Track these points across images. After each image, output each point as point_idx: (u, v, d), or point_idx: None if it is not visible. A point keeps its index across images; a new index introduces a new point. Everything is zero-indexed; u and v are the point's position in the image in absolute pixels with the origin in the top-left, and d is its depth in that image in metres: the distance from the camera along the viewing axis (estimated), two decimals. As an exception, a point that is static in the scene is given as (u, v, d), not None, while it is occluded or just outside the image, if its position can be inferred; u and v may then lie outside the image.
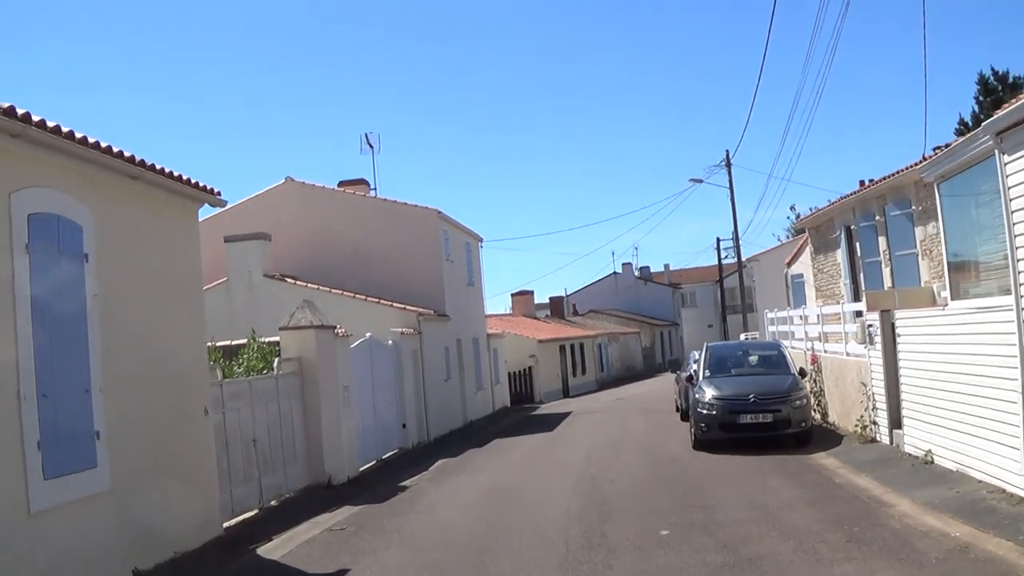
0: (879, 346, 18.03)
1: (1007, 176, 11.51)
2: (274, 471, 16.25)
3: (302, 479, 17.53)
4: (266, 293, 25.06)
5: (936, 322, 15.30)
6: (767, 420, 19.48)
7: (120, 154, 10.79)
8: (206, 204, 13.66)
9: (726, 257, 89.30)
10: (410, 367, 25.76)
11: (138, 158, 11.22)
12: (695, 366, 22.30)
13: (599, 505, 14.20)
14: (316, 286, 26.17)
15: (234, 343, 18.46)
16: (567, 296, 76.62)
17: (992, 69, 43.65)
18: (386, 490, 17.64)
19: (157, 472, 11.59)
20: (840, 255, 27.30)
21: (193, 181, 12.76)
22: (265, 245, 26.64)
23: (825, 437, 20.02)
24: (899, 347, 17.02)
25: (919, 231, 21.27)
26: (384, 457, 22.44)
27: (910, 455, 16.04)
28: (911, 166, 21.74)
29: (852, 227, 25.89)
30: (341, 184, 33.95)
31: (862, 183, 35.07)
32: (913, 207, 21.45)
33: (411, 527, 13.49)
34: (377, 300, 26.88)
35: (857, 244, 25.68)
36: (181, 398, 12.52)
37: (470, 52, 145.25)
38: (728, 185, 50.48)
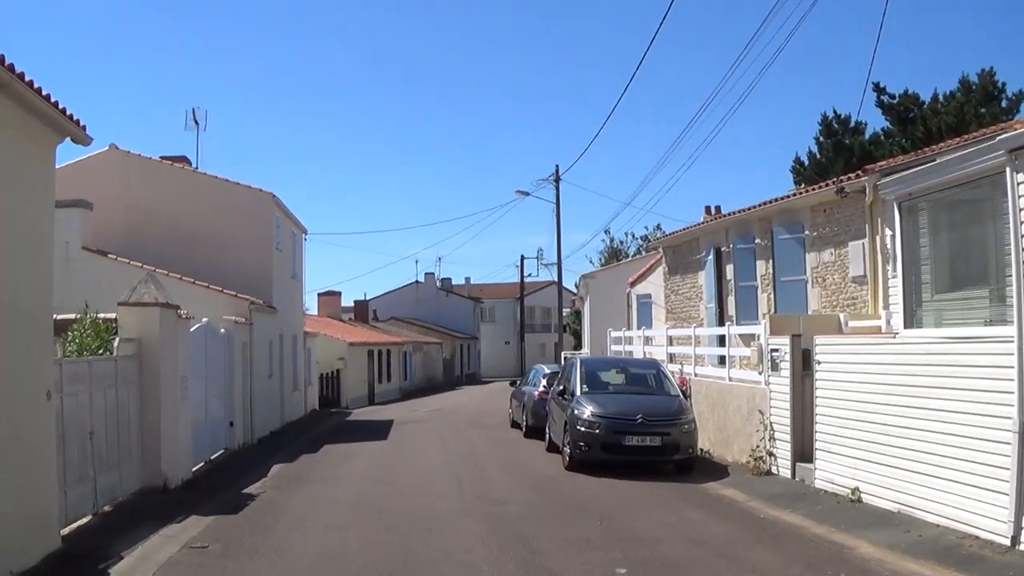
0: (785, 373, 17.05)
1: (1020, 196, 10.52)
2: (109, 470, 13.63)
3: (135, 480, 14.94)
4: (83, 268, 22.00)
5: (882, 350, 14.19)
6: (655, 443, 18.18)
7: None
8: (68, 139, 11.05)
9: (529, 275, 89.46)
10: (239, 360, 23.20)
11: (7, 60, 8.69)
12: (570, 380, 20.53)
13: (511, 533, 12.36)
14: (139, 264, 23.27)
15: (60, 318, 15.60)
16: (367, 301, 74.19)
17: (834, 111, 44.07)
18: (230, 498, 15.38)
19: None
20: (704, 277, 26.48)
21: (61, 106, 10.22)
22: (86, 215, 23.55)
23: (704, 466, 18.90)
24: (817, 375, 16.01)
25: (811, 257, 20.59)
26: (212, 458, 19.92)
27: (826, 492, 15.12)
28: (809, 189, 21.10)
29: (724, 248, 25.06)
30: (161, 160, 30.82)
31: (708, 209, 34.79)
32: (806, 232, 20.75)
33: (291, 549, 11.26)
34: (207, 285, 24.15)
35: (728, 267, 24.85)
36: (21, 377, 9.95)
37: (304, 37, 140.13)
38: (555, 200, 49.52)
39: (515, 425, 28.81)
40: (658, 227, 68.54)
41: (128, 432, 14.60)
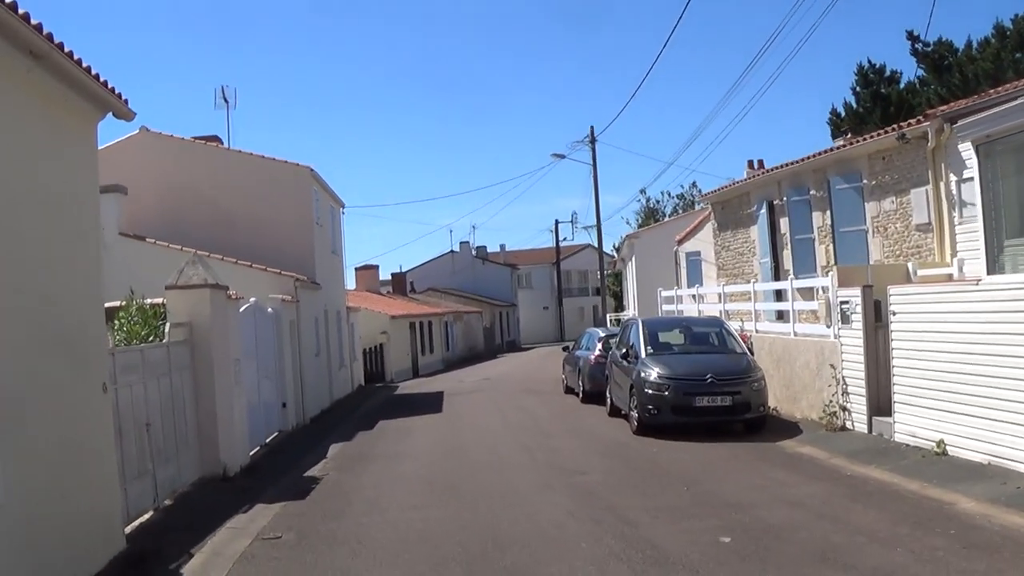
0: (857, 325, 16.34)
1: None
2: (167, 462, 13.03)
3: (194, 470, 14.36)
4: (121, 254, 21.29)
5: (965, 299, 13.41)
6: (726, 403, 17.46)
7: (26, 18, 7.51)
8: (110, 114, 10.31)
9: (564, 239, 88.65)
10: (288, 339, 22.55)
11: (46, 29, 7.94)
12: (632, 342, 19.77)
13: (599, 504, 11.70)
14: (179, 247, 22.62)
15: (105, 306, 14.96)
16: (404, 273, 73.55)
17: (869, 61, 43.22)
18: (293, 482, 14.79)
19: (56, 473, 8.41)
20: (756, 232, 25.66)
21: (102, 79, 9.48)
22: (120, 199, 22.88)
23: (774, 424, 18.17)
24: (893, 326, 15.22)
25: (871, 207, 19.93)
26: (268, 441, 19.31)
27: (908, 446, 14.46)
28: (866, 137, 20.35)
29: (776, 202, 24.28)
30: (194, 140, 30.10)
31: (751, 163, 33.88)
32: (864, 181, 20.05)
33: (370, 534, 10.61)
34: (249, 264, 23.46)
35: (782, 220, 24.12)
36: (77, 371, 9.29)
37: (331, 6, 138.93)
38: (592, 162, 48.65)
39: (569, 391, 28.13)
40: (694, 185, 67.55)
41: (184, 421, 14.00)
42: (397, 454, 17.34)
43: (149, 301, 14.62)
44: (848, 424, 16.77)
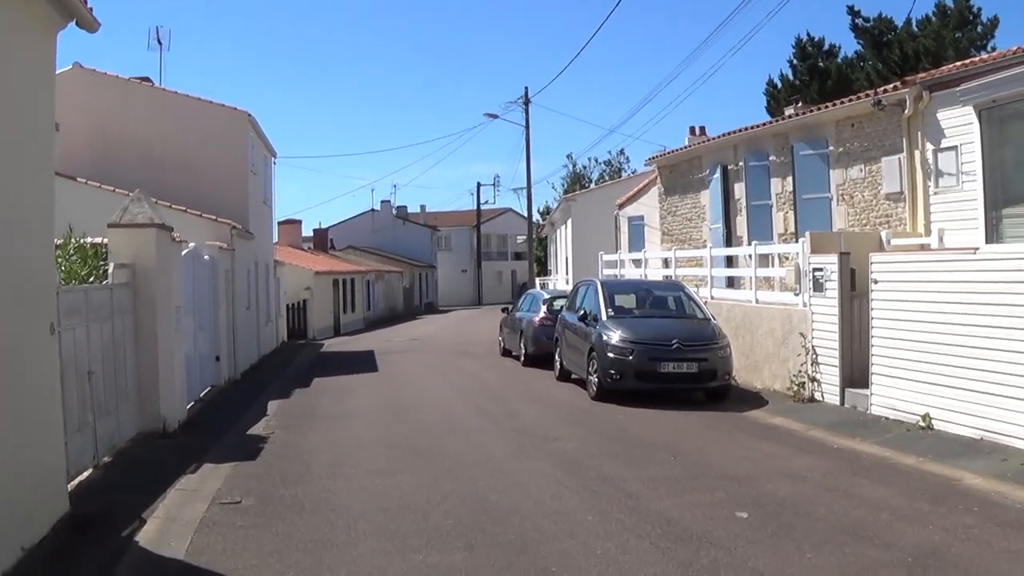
0: (832, 294, 15.86)
1: None
2: (107, 415, 11.86)
3: (133, 424, 13.19)
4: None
5: (960, 268, 12.90)
6: (692, 370, 16.86)
7: None
8: (72, 24, 9.09)
9: (485, 202, 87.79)
10: (223, 289, 21.32)
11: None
12: (589, 304, 18.98)
13: (590, 474, 10.86)
14: (111, 188, 21.23)
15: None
16: (326, 229, 71.92)
17: (808, 34, 43.28)
18: (238, 441, 13.79)
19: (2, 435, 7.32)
20: (708, 196, 25.14)
21: (64, -19, 8.28)
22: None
23: (734, 394, 17.60)
24: (874, 296, 14.74)
25: (836, 174, 19.59)
26: (202, 396, 18.14)
27: (888, 419, 14.07)
28: (837, 102, 19.96)
29: (731, 167, 23.80)
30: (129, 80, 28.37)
31: (692, 129, 33.20)
32: (831, 147, 19.70)
33: (342, 502, 9.67)
34: (184, 209, 22.11)
35: (737, 185, 23.69)
36: (23, 308, 8.14)
37: None
38: (525, 123, 47.71)
39: (506, 354, 27.50)
40: (621, 152, 66.88)
41: (124, 371, 12.85)
42: (344, 414, 16.37)
43: (90, 240, 13.37)
44: (817, 395, 16.31)
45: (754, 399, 17.22)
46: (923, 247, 16.35)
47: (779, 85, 44.65)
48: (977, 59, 17.21)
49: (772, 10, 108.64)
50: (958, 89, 14.80)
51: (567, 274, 40.18)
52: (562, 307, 24.12)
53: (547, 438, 13.43)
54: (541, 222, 55.58)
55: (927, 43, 36.93)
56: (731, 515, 8.79)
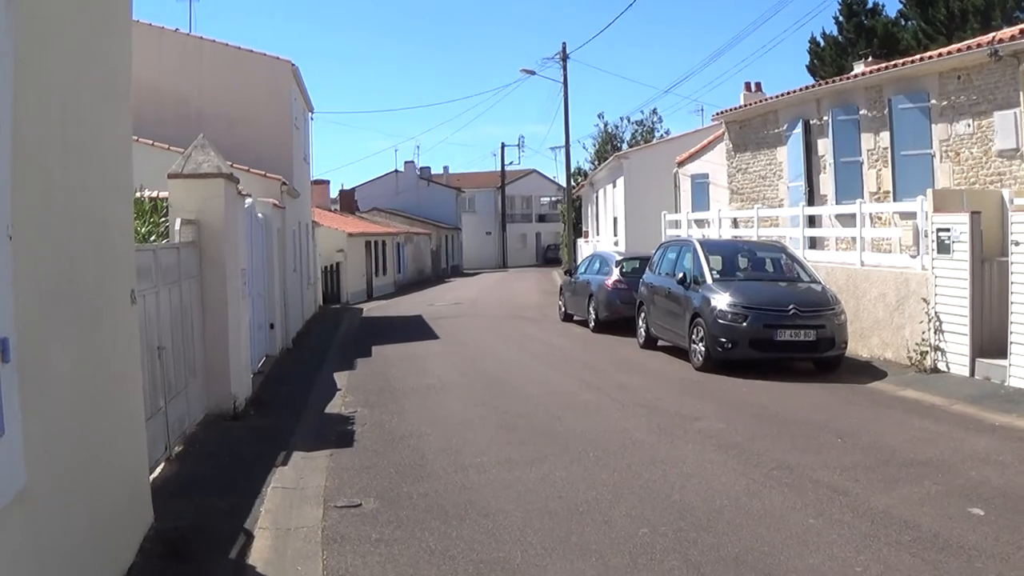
0: (962, 256, 14.27)
1: None
2: (177, 396, 10.09)
3: (200, 405, 11.45)
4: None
5: None
6: (809, 338, 15.13)
7: None
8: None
9: (510, 163, 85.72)
10: (276, 250, 19.50)
11: None
12: (686, 266, 17.16)
13: (769, 462, 9.16)
14: (149, 141, 19.38)
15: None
16: (352, 190, 69.89)
17: None
18: (321, 423, 12.08)
19: (85, 429, 5.58)
20: (786, 153, 23.27)
21: None
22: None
23: (844, 364, 15.79)
24: (1014, 258, 13.14)
25: (939, 129, 17.88)
26: (260, 367, 16.31)
27: None
28: (942, 52, 18.17)
29: (814, 121, 21.98)
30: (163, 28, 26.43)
31: (748, 86, 31.28)
32: (933, 101, 17.96)
33: (489, 502, 7.92)
34: (231, 164, 20.15)
35: (820, 141, 21.99)
36: (102, 272, 6.36)
37: None
38: (563, 80, 45.73)
39: (568, 318, 25.92)
40: (654, 111, 64.57)
41: (192, 344, 11.05)
42: (427, 387, 14.63)
43: (148, 193, 11.53)
44: (940, 365, 14.75)
45: (867, 369, 15.60)
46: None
47: (822, 44, 42.67)
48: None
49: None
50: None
51: (615, 235, 38.15)
52: (631, 268, 22.56)
53: (682, 416, 11.70)
54: (584, 182, 53.15)
55: (976, 2, 35.01)
56: (964, 512, 7.39)
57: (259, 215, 17.63)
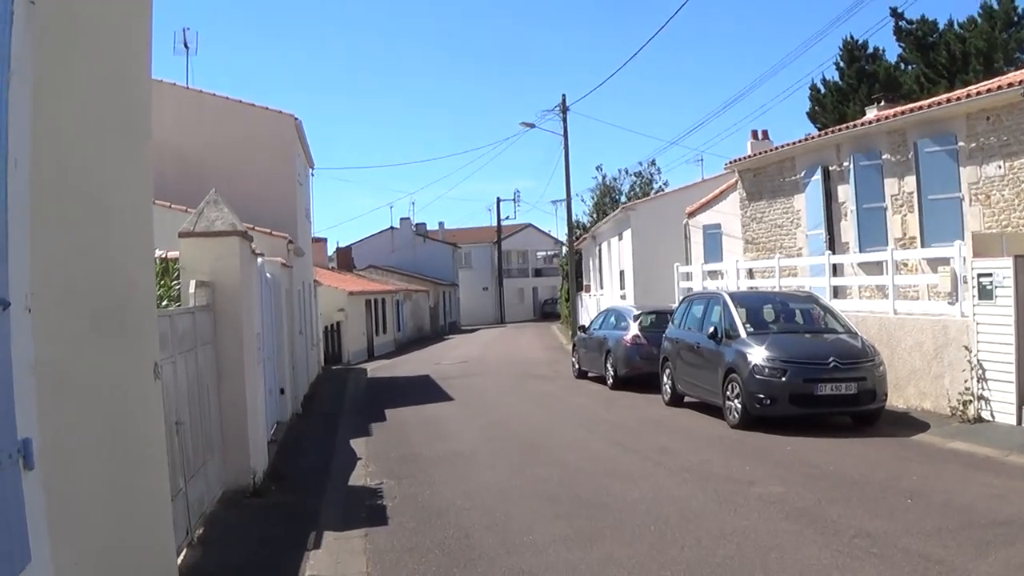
0: (1006, 302, 13.72)
1: None
2: (196, 475, 9.28)
3: (219, 481, 10.65)
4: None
5: None
6: (850, 391, 14.42)
7: None
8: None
9: (505, 218, 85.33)
10: (284, 311, 18.76)
11: None
12: (716, 320, 16.44)
13: (840, 530, 8.38)
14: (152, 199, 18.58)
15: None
16: (349, 248, 69.27)
17: (851, 37, 41.25)
18: (345, 497, 11.35)
19: (114, 540, 5.02)
20: (804, 201, 22.70)
21: None
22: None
23: (883, 416, 15.09)
24: None
25: (967, 171, 17.36)
26: (272, 436, 15.49)
27: None
28: (970, 93, 17.67)
29: (834, 168, 21.32)
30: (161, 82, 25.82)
31: (755, 133, 30.87)
32: (960, 143, 17.45)
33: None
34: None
35: (840, 188, 21.49)
36: (125, 342, 5.62)
37: None
38: (563, 132, 45.12)
39: (582, 375, 25.26)
40: (653, 163, 64.25)
41: (210, 416, 10.28)
42: (454, 454, 13.85)
43: (159, 253, 10.80)
44: (984, 414, 14.19)
45: (907, 421, 14.95)
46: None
47: (823, 91, 42.41)
48: None
49: (839, 17, 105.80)
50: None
51: (621, 289, 37.45)
52: (649, 323, 21.92)
53: (735, 480, 10.93)
54: (585, 235, 52.43)
55: (978, 44, 34.91)
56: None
57: (267, 275, 16.88)
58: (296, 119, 24.30)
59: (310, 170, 30.75)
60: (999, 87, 16.72)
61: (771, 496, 9.88)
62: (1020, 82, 15.89)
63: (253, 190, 22.12)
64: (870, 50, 41.50)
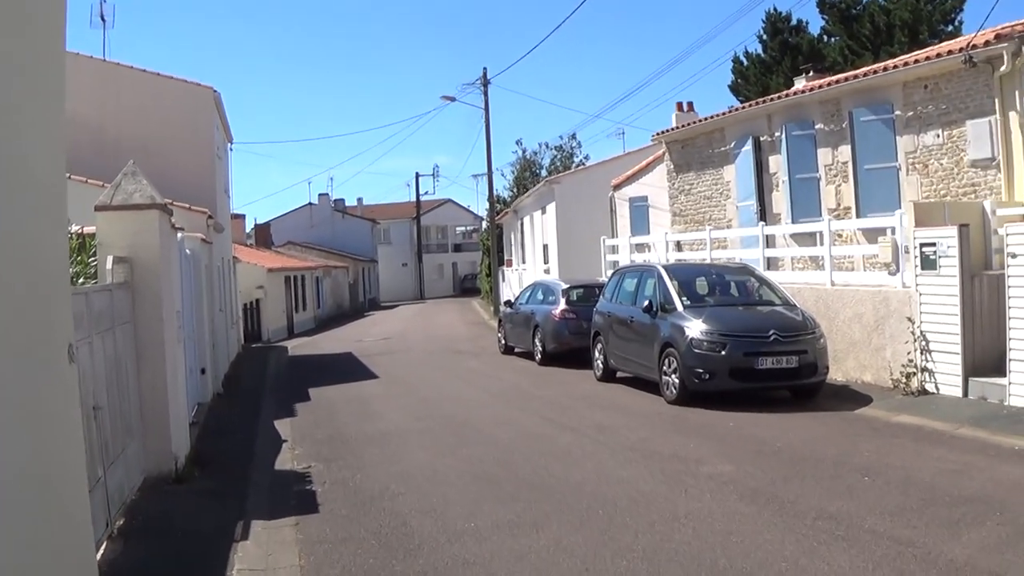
0: (951, 272, 13.64)
1: None
2: (115, 462, 8.69)
3: (139, 467, 10.02)
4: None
5: None
6: (791, 365, 14.18)
7: None
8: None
9: (424, 194, 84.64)
10: (205, 288, 18.06)
11: None
12: (652, 293, 16.08)
13: (801, 512, 8.06)
14: (66, 172, 17.72)
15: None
16: (268, 224, 67.99)
17: (774, 9, 41.53)
18: (272, 481, 10.79)
19: (23, 517, 4.51)
20: (734, 172, 22.45)
21: None
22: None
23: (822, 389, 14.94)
24: (1011, 271, 12.59)
25: (904, 140, 17.29)
26: (193, 418, 14.82)
27: None
28: (908, 61, 17.60)
29: (765, 138, 21.20)
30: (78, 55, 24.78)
31: (680, 105, 30.71)
32: (897, 112, 17.36)
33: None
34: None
35: (772, 158, 21.28)
36: (42, 325, 5.05)
37: None
38: (484, 106, 44.73)
39: (509, 351, 24.90)
40: (573, 136, 64.01)
41: (129, 399, 9.65)
42: (384, 435, 13.31)
43: (75, 228, 10.16)
44: (929, 387, 14.10)
45: (848, 394, 14.80)
46: (1024, 218, 14.25)
47: (745, 63, 42.45)
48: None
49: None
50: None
51: (545, 263, 37.12)
52: (577, 297, 21.59)
53: (681, 459, 10.59)
54: (507, 209, 51.94)
55: (903, 15, 35.18)
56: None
57: (187, 251, 16.19)
58: (215, 92, 23.51)
59: (229, 144, 29.90)
60: (938, 54, 16.61)
61: (721, 475, 9.56)
62: (960, 49, 15.72)
63: (172, 164, 21.33)
64: (793, 22, 41.57)
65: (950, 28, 35.48)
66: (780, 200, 21.16)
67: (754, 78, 41.06)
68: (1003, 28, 15.22)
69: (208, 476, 10.92)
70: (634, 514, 8.18)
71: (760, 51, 41.95)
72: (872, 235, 16.84)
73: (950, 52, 16.13)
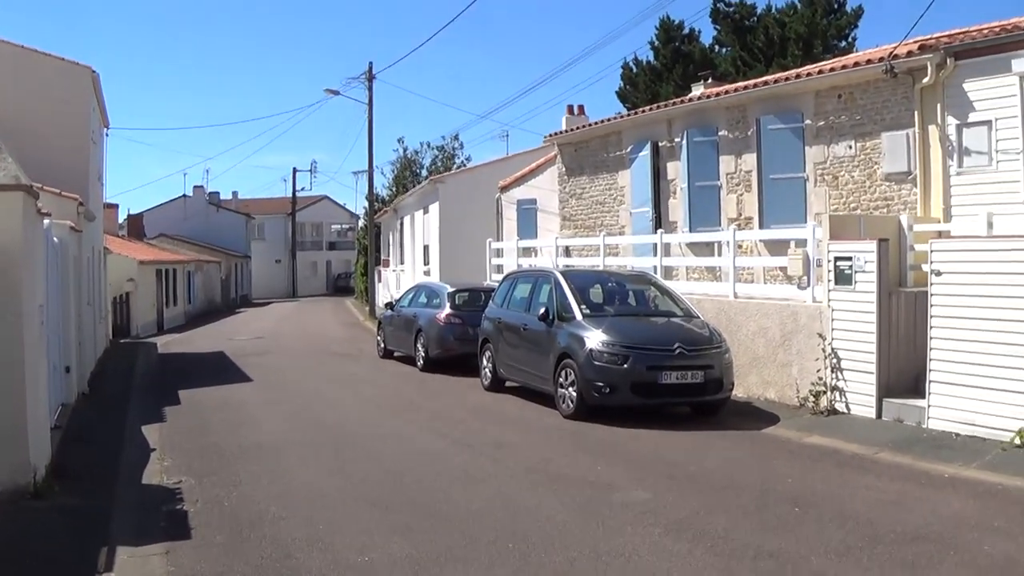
0: (866, 287, 13.42)
1: None
2: (-36, 474, 7.65)
3: (-8, 479, 8.93)
4: None
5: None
6: (696, 380, 13.66)
7: None
8: None
9: (301, 190, 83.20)
10: (72, 280, 16.83)
11: None
12: (548, 300, 15.43)
13: (735, 546, 7.49)
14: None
15: None
16: (140, 215, 65.58)
17: (668, 17, 41.65)
18: (139, 498, 9.75)
19: None
20: (629, 177, 22.07)
21: None
22: None
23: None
24: (935, 290, 12.29)
25: (814, 151, 17.15)
26: (55, 421, 13.61)
27: (961, 435, 11.65)
28: (821, 69, 17.70)
29: (664, 143, 20.86)
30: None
31: (571, 108, 30.23)
32: (808, 121, 17.18)
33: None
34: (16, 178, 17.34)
35: (671, 164, 20.96)
36: None
37: None
38: (368, 101, 43.97)
39: (388, 355, 24.05)
40: (456, 137, 63.24)
41: (-19, 401, 8.56)
42: (260, 447, 12.26)
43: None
44: (839, 406, 13.79)
45: (752, 412, 14.39)
46: (942, 234, 14.08)
47: (635, 70, 42.38)
48: (1009, 24, 14.73)
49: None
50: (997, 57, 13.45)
51: (425, 264, 36.30)
52: (462, 301, 20.90)
53: (590, 483, 9.89)
54: (387, 207, 50.98)
55: (799, 29, 35.61)
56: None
57: (55, 239, 14.96)
58: (94, 71, 22.08)
59: (105, 130, 28.32)
60: (856, 63, 16.50)
61: (638, 504, 8.88)
62: (881, 59, 15.51)
63: (42, 145, 19.94)
64: (686, 31, 41.64)
65: (843, 44, 35.90)
66: (677, 208, 20.79)
67: (643, 85, 40.95)
68: (928, 39, 15.17)
69: (70, 491, 9.80)
70: (549, 550, 7.39)
71: (652, 58, 41.88)
72: (775, 247, 16.57)
73: (869, 61, 15.97)
